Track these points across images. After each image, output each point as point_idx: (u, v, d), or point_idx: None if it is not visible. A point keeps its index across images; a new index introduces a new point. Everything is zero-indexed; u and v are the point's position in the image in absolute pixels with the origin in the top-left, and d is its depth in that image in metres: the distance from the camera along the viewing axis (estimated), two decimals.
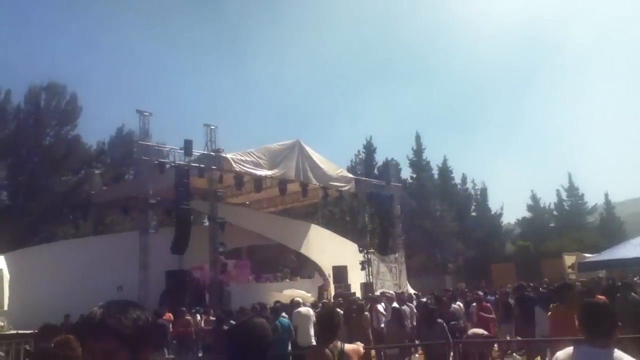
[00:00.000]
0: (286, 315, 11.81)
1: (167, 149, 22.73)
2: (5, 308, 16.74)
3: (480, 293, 15.27)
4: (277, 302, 14.41)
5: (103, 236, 29.39)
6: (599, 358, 2.86)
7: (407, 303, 14.85)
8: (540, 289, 15.27)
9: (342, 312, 12.77)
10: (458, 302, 13.24)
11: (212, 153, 21.84)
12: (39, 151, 34.55)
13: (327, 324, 4.31)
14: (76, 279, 19.35)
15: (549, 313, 7.27)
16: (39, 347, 3.46)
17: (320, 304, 14.89)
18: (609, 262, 18.77)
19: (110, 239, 26.96)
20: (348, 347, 4.19)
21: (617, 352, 2.88)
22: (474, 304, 13.08)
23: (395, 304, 13.26)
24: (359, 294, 24.35)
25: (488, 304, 12.79)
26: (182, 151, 21.15)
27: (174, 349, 13.37)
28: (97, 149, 39.56)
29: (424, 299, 16.67)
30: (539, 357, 9.94)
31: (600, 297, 10.11)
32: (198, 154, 21.75)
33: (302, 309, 12.09)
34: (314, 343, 11.54)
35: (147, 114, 22.01)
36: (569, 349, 3.07)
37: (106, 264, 20.65)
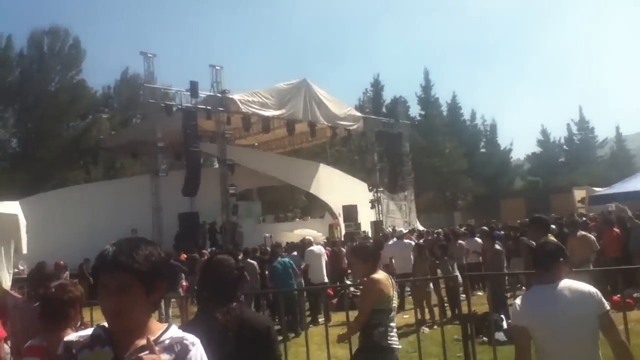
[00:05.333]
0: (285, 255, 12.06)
1: (173, 91, 22.54)
2: (25, 252, 17.07)
3: (485, 228, 14.94)
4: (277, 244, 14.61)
5: (114, 180, 29.66)
6: (547, 291, 3.12)
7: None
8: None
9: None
10: (475, 237, 13.19)
11: (218, 94, 21.61)
12: (46, 97, 34.34)
13: (373, 251, 4.65)
14: (90, 224, 19.66)
15: None
16: (39, 292, 3.52)
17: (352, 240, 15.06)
18: (619, 195, 18.74)
19: (122, 183, 27.22)
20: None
21: (565, 281, 3.13)
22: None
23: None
24: (369, 233, 24.70)
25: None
26: (188, 93, 20.96)
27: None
28: (103, 94, 39.31)
29: (430, 236, 16.75)
30: None
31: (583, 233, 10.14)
32: (204, 95, 21.55)
33: (315, 248, 12.27)
34: (326, 280, 11.81)
35: (151, 55, 21.66)
36: (527, 291, 3.38)
37: (119, 208, 20.93)
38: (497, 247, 10.00)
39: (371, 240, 15.71)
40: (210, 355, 1.83)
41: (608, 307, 3.07)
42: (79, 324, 3.25)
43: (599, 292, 3.09)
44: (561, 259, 3.24)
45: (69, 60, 35.61)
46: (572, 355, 3.06)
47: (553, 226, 13.85)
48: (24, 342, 3.17)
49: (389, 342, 4.20)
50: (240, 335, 2.57)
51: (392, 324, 4.28)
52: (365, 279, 4.37)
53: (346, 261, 13.65)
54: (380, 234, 18.85)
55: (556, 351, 3.06)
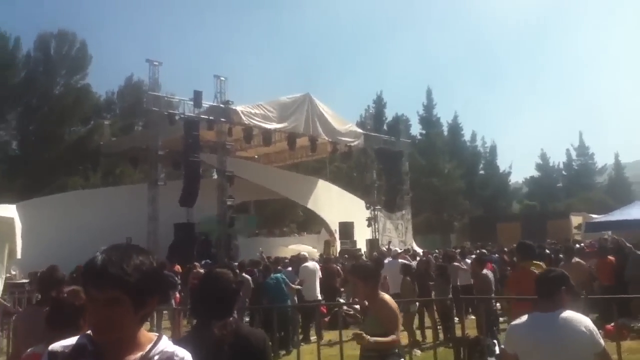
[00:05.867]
0: (281, 268, 12.02)
1: (177, 100, 22.61)
2: (19, 257, 16.96)
3: (485, 252, 15.23)
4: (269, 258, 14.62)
5: (112, 188, 29.59)
6: (545, 320, 3.06)
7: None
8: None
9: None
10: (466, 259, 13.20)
11: (221, 105, 21.67)
12: (50, 100, 34.41)
13: (374, 271, 4.46)
14: (86, 230, 19.54)
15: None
16: (52, 296, 3.35)
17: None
18: (616, 223, 18.71)
19: (119, 190, 27.14)
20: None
21: (565, 312, 3.07)
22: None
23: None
24: (364, 250, 24.63)
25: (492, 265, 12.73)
26: (192, 102, 21.02)
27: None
28: (106, 99, 39.40)
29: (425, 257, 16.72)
30: None
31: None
32: (207, 105, 21.60)
33: (309, 264, 12.14)
34: (320, 297, 11.72)
35: (156, 63, 21.80)
36: (524, 316, 3.25)
37: (115, 216, 20.86)
38: (485, 271, 10.00)
39: (364, 259, 15.65)
40: None
41: (603, 344, 3.04)
42: None
43: (596, 329, 3.04)
44: (563, 288, 3.17)
45: (74, 64, 35.69)
46: None
47: (547, 251, 13.91)
48: (25, 348, 2.93)
49: None
50: (236, 349, 2.56)
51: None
52: (375, 299, 4.11)
53: (339, 279, 13.58)
54: (375, 253, 18.77)
55: None
